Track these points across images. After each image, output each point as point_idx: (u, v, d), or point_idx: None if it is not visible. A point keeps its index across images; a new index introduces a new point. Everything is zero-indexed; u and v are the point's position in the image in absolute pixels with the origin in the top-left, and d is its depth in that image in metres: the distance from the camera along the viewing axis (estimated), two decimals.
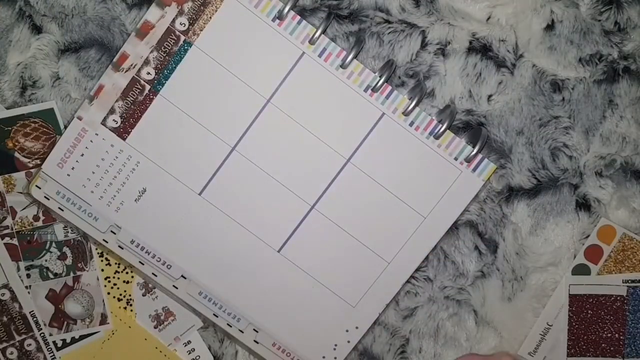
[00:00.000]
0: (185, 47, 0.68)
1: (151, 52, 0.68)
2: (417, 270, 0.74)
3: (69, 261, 0.74)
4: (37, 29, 0.71)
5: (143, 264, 0.72)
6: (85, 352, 0.76)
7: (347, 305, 0.73)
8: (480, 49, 0.72)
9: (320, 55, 0.68)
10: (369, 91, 0.68)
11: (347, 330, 0.74)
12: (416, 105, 0.69)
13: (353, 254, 0.72)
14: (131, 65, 0.68)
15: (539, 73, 0.72)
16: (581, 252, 0.74)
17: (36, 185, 0.70)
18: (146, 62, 0.68)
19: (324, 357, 0.74)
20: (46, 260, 0.74)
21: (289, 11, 0.67)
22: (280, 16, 0.67)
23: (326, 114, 0.69)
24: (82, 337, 0.75)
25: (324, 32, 0.67)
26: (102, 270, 0.74)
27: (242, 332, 0.74)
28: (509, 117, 0.72)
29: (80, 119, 0.69)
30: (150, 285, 0.75)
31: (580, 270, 0.74)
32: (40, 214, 0.73)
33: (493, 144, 0.73)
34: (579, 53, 0.71)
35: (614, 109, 0.72)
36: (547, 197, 0.73)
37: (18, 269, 0.74)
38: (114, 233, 0.71)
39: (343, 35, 0.71)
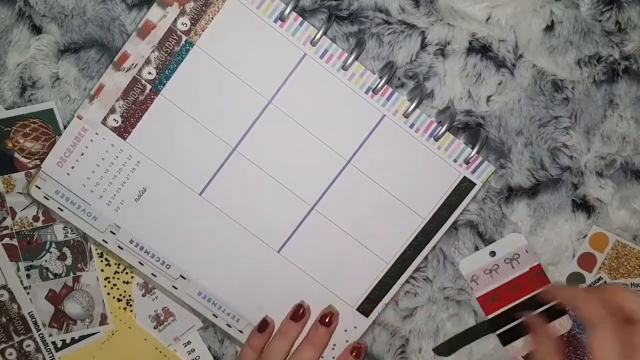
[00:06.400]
0: (187, 47, 0.68)
1: (152, 51, 0.68)
2: (416, 270, 0.74)
3: (68, 261, 0.74)
4: (36, 30, 0.71)
5: (142, 264, 0.72)
6: (85, 352, 0.75)
7: (346, 306, 0.73)
8: (480, 49, 0.72)
9: (321, 57, 0.68)
10: (370, 93, 0.69)
11: (345, 330, 0.74)
12: (416, 107, 0.69)
13: (352, 255, 0.72)
14: (132, 64, 0.68)
15: (539, 73, 0.72)
16: (574, 260, 0.75)
17: (36, 186, 0.70)
18: (147, 62, 0.68)
19: (322, 357, 0.74)
20: (46, 261, 0.74)
21: (290, 12, 0.67)
22: (282, 17, 0.67)
23: (327, 115, 0.69)
24: (82, 338, 0.75)
25: (325, 33, 0.67)
26: (102, 270, 0.74)
27: (242, 332, 0.74)
28: (508, 117, 0.73)
29: (80, 118, 0.69)
30: (150, 286, 0.75)
31: (575, 278, 0.75)
32: (40, 215, 0.73)
33: (492, 143, 0.73)
34: (578, 54, 0.71)
35: (614, 109, 0.72)
36: (546, 196, 0.73)
37: (18, 269, 0.73)
38: (113, 233, 0.71)
39: (342, 36, 0.71)
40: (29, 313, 0.74)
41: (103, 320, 0.75)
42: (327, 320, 0.72)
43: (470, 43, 0.72)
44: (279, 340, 0.72)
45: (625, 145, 0.73)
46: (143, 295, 0.75)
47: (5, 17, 0.71)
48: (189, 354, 0.76)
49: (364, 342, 0.74)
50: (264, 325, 0.73)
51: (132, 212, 0.71)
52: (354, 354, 0.73)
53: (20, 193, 0.72)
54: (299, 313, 0.72)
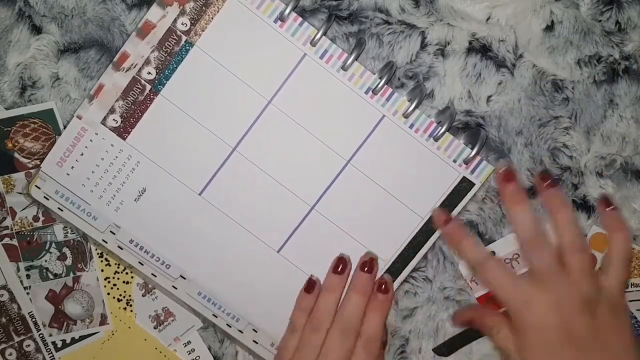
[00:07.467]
0: (187, 47, 0.68)
1: (152, 51, 0.68)
2: (416, 270, 0.74)
3: (68, 262, 0.74)
4: (36, 30, 0.71)
5: (142, 264, 0.72)
6: (85, 352, 0.75)
7: None
8: (480, 49, 0.72)
9: (321, 57, 0.68)
10: (370, 93, 0.68)
11: None
12: (416, 107, 0.69)
13: (352, 255, 0.72)
14: (132, 64, 0.68)
15: (539, 73, 0.72)
16: None
17: (36, 186, 0.70)
18: (147, 62, 0.68)
19: None
20: (46, 261, 0.74)
21: (290, 12, 0.67)
22: (282, 17, 0.67)
23: (327, 115, 0.69)
24: (82, 338, 0.75)
25: (324, 33, 0.67)
26: (102, 270, 0.74)
27: (242, 332, 0.74)
28: (508, 117, 0.72)
29: (80, 118, 0.69)
30: (150, 286, 0.75)
31: None
32: (40, 215, 0.73)
33: (492, 143, 0.73)
34: (578, 54, 0.71)
35: (614, 109, 0.72)
36: None
37: (18, 269, 0.73)
38: (113, 233, 0.71)
39: (342, 36, 0.71)
40: (29, 313, 0.74)
41: (103, 320, 0.75)
42: (366, 268, 0.71)
43: (470, 43, 0.72)
44: (326, 295, 0.71)
45: (625, 145, 0.73)
46: (143, 295, 0.75)
47: (5, 17, 0.71)
48: (189, 354, 0.76)
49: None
50: (311, 284, 0.72)
51: (131, 212, 0.71)
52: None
53: (20, 193, 0.72)
54: (340, 265, 0.71)
